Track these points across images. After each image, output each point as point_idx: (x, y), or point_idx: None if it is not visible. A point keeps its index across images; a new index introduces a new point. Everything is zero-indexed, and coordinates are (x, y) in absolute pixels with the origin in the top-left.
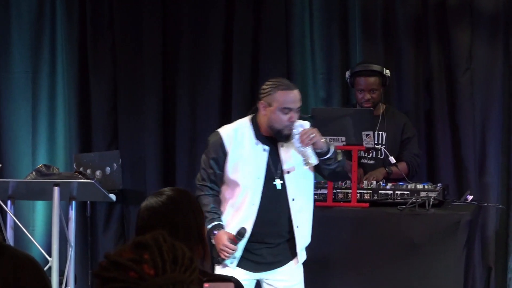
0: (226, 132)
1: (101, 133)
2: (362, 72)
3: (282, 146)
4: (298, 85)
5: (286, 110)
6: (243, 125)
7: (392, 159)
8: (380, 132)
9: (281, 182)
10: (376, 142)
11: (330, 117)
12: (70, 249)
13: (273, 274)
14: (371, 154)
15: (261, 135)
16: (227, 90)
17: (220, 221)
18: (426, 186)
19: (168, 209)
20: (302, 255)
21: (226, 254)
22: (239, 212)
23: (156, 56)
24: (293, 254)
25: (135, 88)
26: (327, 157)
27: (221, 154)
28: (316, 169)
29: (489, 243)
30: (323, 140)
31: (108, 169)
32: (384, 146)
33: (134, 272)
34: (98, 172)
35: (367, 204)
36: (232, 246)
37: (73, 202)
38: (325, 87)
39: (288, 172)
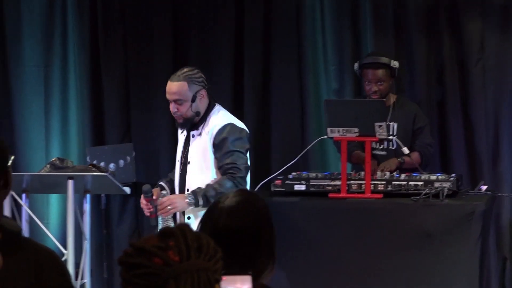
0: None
1: (114, 126)
2: (370, 64)
3: (192, 136)
4: (310, 77)
5: (169, 100)
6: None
7: (406, 150)
8: (392, 123)
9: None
10: (388, 133)
11: (343, 109)
12: (85, 242)
13: None
14: (383, 145)
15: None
16: (238, 83)
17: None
18: (439, 177)
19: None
20: None
21: (146, 211)
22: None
23: (167, 49)
24: None
25: (147, 80)
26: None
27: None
28: None
29: (503, 233)
30: (185, 204)
31: (121, 162)
32: (395, 136)
33: (159, 258)
34: (111, 165)
35: (381, 195)
36: (143, 201)
37: (87, 195)
38: (337, 79)
39: (189, 162)
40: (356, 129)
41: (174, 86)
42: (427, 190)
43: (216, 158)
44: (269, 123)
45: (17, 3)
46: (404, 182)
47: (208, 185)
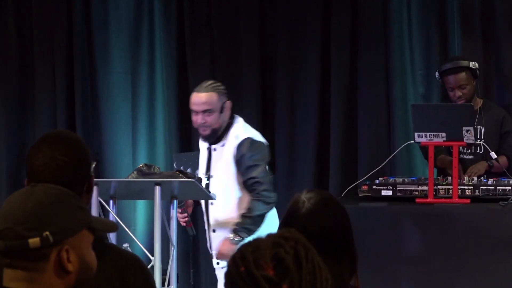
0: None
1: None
2: (450, 70)
3: (214, 150)
4: (397, 82)
5: (193, 112)
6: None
7: (493, 154)
8: (479, 127)
9: (208, 182)
10: (475, 137)
11: (430, 113)
12: (172, 248)
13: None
14: (470, 150)
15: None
16: (325, 90)
17: None
18: None
19: (328, 210)
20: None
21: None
22: None
23: (254, 55)
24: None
25: (233, 87)
26: None
27: None
28: None
29: None
30: (233, 247)
31: None
32: (483, 140)
33: None
34: (198, 171)
35: (468, 200)
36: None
37: (175, 201)
38: (424, 83)
39: (212, 176)
40: (443, 134)
41: (203, 97)
42: None
43: (238, 172)
44: (356, 128)
45: (105, 10)
46: (492, 187)
47: (242, 217)
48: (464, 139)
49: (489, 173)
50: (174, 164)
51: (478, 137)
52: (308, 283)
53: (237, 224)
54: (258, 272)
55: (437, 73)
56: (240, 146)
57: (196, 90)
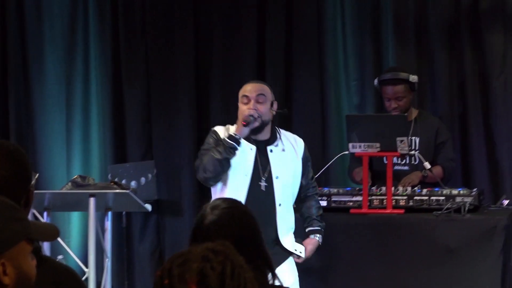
0: (219, 128)
1: (136, 143)
2: (389, 80)
3: (271, 151)
4: (331, 92)
5: (244, 98)
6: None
7: (427, 165)
8: (413, 138)
9: (266, 184)
10: (409, 148)
11: (364, 124)
12: (107, 260)
13: None
14: (404, 160)
15: (248, 136)
16: None
17: None
18: (461, 191)
19: (233, 220)
20: (291, 259)
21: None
22: None
23: (189, 65)
24: (283, 257)
25: (168, 97)
26: None
27: (215, 138)
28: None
29: None
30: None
31: (143, 180)
32: (417, 151)
33: None
34: (133, 183)
35: (402, 210)
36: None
37: (109, 213)
38: (359, 94)
39: (277, 177)
40: (377, 144)
41: (258, 85)
42: (448, 205)
43: (302, 174)
44: None
45: (39, 20)
46: (426, 197)
47: (321, 217)
48: (398, 149)
49: (423, 183)
50: (109, 175)
51: (413, 147)
52: None
53: (319, 225)
54: (180, 286)
55: (376, 81)
56: (306, 148)
57: (250, 82)
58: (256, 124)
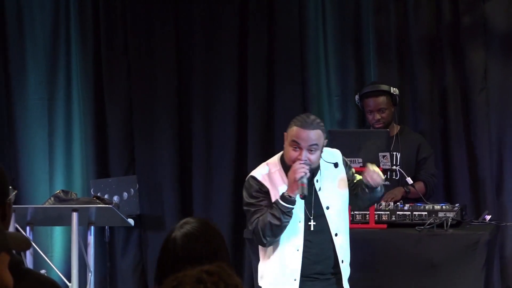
0: (259, 172)
1: (118, 158)
2: (370, 93)
3: (317, 181)
4: (314, 107)
5: (294, 143)
6: (274, 165)
7: (409, 180)
8: (395, 153)
9: (314, 223)
10: (391, 163)
11: (346, 139)
12: (90, 274)
13: None
14: (385, 176)
15: None
16: (242, 115)
17: None
18: (443, 207)
19: (204, 233)
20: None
21: (303, 168)
22: (281, 261)
23: (171, 81)
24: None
25: (151, 113)
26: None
27: (262, 193)
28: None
29: (507, 263)
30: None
31: (125, 195)
32: (399, 166)
33: None
34: (115, 198)
35: (385, 226)
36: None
37: (92, 228)
38: (341, 109)
39: (328, 208)
40: (360, 160)
41: (312, 133)
42: (431, 220)
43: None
44: (273, 153)
45: (21, 36)
46: (408, 212)
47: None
48: (380, 164)
49: (405, 199)
50: (92, 190)
51: (394, 163)
52: None
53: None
54: None
55: (357, 97)
56: (344, 162)
57: (301, 126)
58: (308, 177)
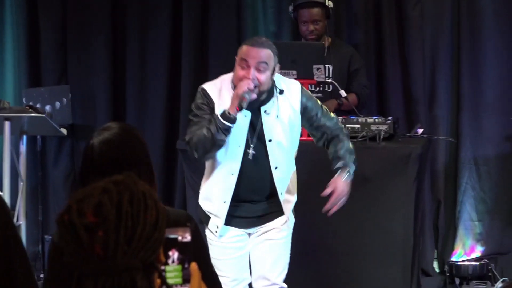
0: (211, 86)
1: (50, 67)
2: (305, 3)
3: (265, 111)
4: (248, 20)
5: (243, 62)
6: (226, 82)
7: (343, 92)
8: (327, 65)
9: (254, 153)
10: (325, 75)
11: (281, 51)
12: (21, 183)
13: (261, 227)
14: (318, 88)
15: None
16: (176, 32)
17: None
18: (376, 120)
19: (123, 139)
20: (290, 217)
21: (248, 85)
22: (217, 183)
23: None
24: (280, 212)
25: (84, 22)
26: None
27: (209, 107)
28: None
29: (438, 176)
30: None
31: (58, 104)
32: (331, 79)
33: (84, 251)
34: (47, 107)
35: None
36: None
37: (24, 137)
38: (275, 21)
39: (270, 141)
40: (294, 72)
41: (262, 51)
42: (364, 133)
43: (308, 124)
44: (206, 69)
45: None
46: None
47: (348, 154)
48: (315, 77)
49: (338, 111)
50: (24, 99)
51: (327, 75)
52: (128, 228)
53: (343, 163)
54: (78, 220)
55: (291, 7)
56: (302, 92)
57: (251, 44)
58: (254, 96)
